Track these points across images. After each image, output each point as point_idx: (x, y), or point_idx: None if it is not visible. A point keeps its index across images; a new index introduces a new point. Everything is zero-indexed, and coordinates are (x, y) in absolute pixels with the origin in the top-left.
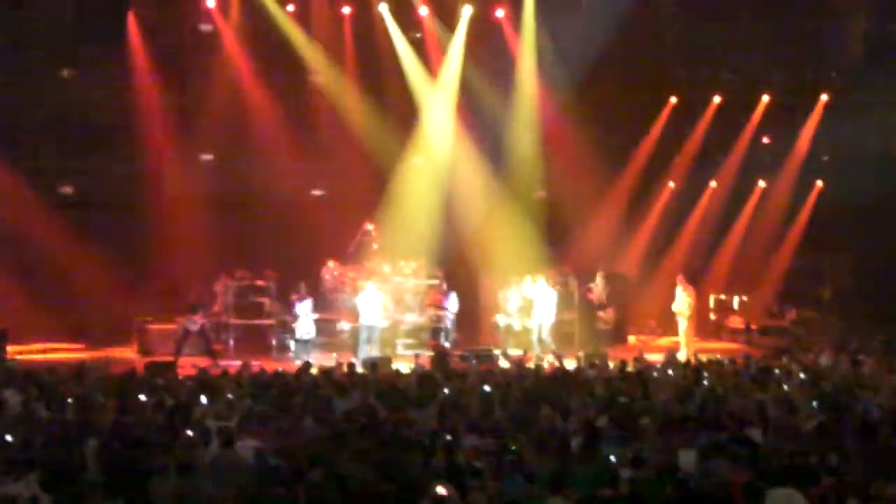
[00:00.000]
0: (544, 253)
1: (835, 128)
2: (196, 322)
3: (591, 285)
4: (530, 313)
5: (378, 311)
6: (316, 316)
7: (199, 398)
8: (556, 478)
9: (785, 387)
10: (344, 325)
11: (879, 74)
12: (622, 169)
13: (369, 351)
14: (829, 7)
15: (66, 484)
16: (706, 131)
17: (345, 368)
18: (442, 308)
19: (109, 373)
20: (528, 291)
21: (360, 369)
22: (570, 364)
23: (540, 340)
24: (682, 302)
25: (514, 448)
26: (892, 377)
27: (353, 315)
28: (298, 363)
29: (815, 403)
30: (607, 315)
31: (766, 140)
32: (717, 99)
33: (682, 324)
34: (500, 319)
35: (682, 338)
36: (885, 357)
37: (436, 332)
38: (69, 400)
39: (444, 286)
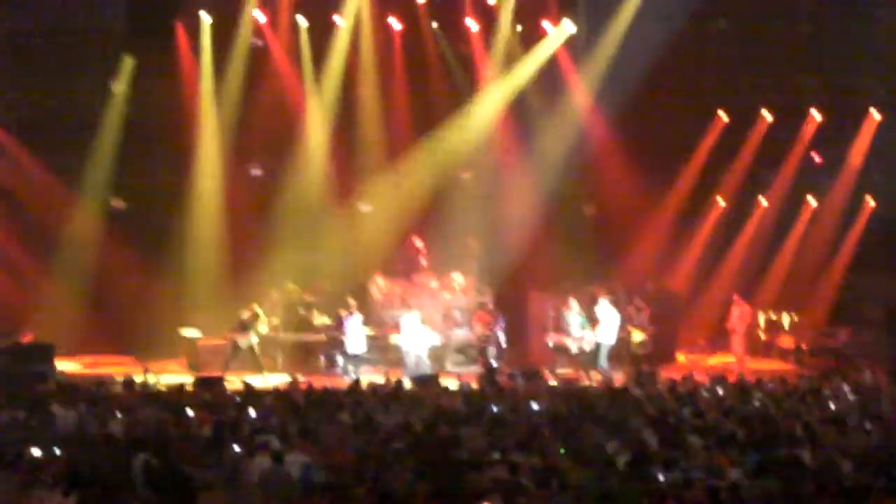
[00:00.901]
0: (593, 270)
1: (887, 144)
2: (246, 339)
3: (631, 308)
4: (591, 333)
5: (419, 332)
6: (366, 331)
7: (246, 413)
8: (602, 496)
9: (834, 407)
10: (396, 340)
11: None
12: (671, 185)
13: (417, 369)
14: (877, 20)
15: (112, 500)
16: (756, 148)
17: (392, 385)
18: (490, 327)
19: (158, 387)
20: (588, 312)
21: (407, 386)
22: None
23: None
24: (736, 319)
25: (560, 466)
26: None
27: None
28: (346, 379)
29: (867, 424)
30: (642, 337)
31: (816, 157)
32: (767, 116)
33: (736, 342)
34: (567, 341)
35: (735, 356)
36: None
37: (484, 349)
38: (118, 414)
39: (491, 305)
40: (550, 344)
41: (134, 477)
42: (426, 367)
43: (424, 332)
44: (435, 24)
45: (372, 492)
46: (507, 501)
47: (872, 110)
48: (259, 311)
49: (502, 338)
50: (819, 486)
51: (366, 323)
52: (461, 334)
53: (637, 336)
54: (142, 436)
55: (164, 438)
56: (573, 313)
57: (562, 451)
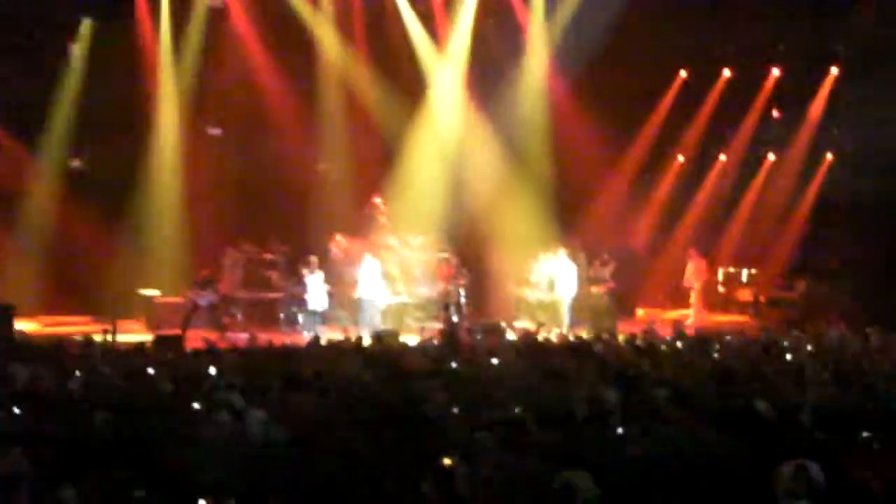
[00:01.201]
0: (553, 227)
1: (846, 100)
2: (205, 297)
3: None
4: (553, 287)
5: (377, 284)
6: (327, 287)
7: (206, 371)
8: (562, 451)
9: (792, 358)
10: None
11: (889, 44)
12: (631, 143)
13: (373, 324)
14: None
15: (74, 456)
16: (715, 105)
17: (352, 341)
18: (454, 282)
19: (117, 346)
20: (550, 266)
21: (367, 342)
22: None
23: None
24: (694, 275)
25: (521, 421)
26: None
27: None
28: (306, 335)
29: (825, 375)
30: (598, 292)
31: (775, 113)
32: (726, 72)
33: (693, 296)
34: (528, 294)
35: (692, 310)
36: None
37: (445, 305)
38: (77, 373)
39: (454, 260)
40: (530, 299)
41: (94, 434)
42: (378, 323)
43: (382, 284)
44: None
45: (333, 448)
46: (467, 457)
47: (832, 67)
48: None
49: (463, 294)
50: (778, 437)
51: (326, 280)
52: (422, 291)
53: (596, 290)
54: (101, 394)
55: (124, 396)
56: (541, 265)
57: (516, 409)
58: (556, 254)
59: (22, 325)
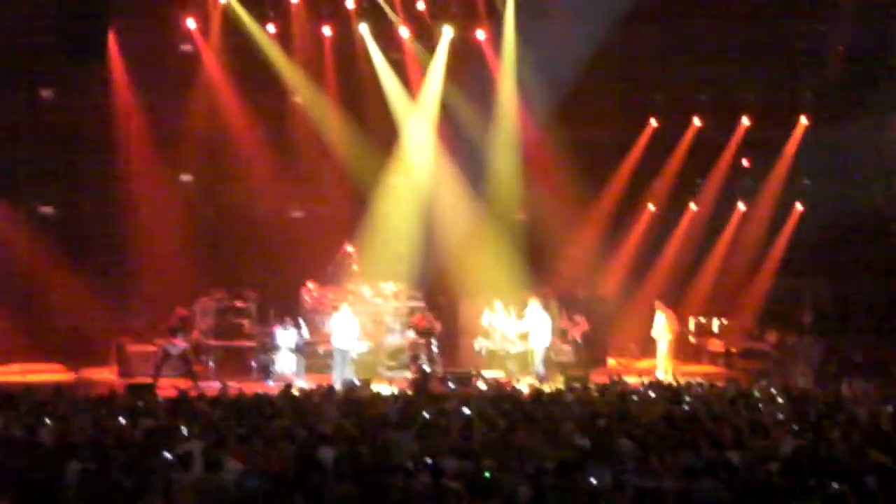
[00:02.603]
0: (524, 275)
1: (815, 151)
2: (177, 345)
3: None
4: (525, 338)
5: (351, 334)
6: (301, 341)
7: (178, 420)
8: (533, 501)
9: (762, 409)
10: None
11: (858, 96)
12: (602, 191)
13: (346, 374)
14: (806, 29)
15: None
16: (686, 154)
17: (324, 390)
18: (426, 332)
19: (89, 394)
20: (524, 316)
21: (339, 391)
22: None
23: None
24: (661, 325)
25: (491, 471)
26: (870, 399)
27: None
28: (278, 385)
29: (794, 427)
30: (562, 346)
31: (745, 163)
32: (696, 122)
33: (661, 347)
34: (481, 343)
35: (659, 360)
36: (863, 380)
37: (417, 355)
38: (47, 421)
39: (426, 309)
40: (477, 347)
41: (66, 484)
42: (351, 373)
43: (355, 331)
44: (366, 30)
45: (306, 499)
46: None
47: (801, 117)
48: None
49: (435, 343)
50: (746, 488)
51: (297, 329)
52: (393, 340)
53: (569, 337)
54: (73, 443)
55: (96, 445)
56: (497, 316)
57: (487, 460)
58: (528, 304)
59: None
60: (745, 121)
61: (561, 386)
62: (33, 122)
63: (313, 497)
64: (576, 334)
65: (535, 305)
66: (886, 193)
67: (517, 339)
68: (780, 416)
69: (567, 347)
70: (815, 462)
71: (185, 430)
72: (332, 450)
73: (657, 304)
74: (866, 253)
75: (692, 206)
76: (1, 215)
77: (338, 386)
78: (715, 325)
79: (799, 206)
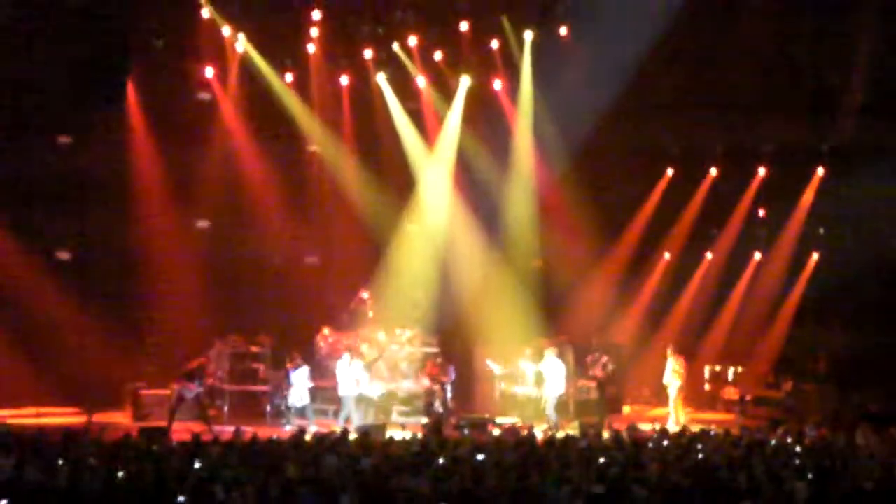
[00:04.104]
0: (540, 322)
1: (830, 200)
2: (192, 389)
3: (590, 359)
4: (541, 384)
5: (359, 379)
6: (310, 384)
7: (192, 464)
8: None
9: (777, 458)
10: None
11: (873, 144)
12: (618, 239)
13: (358, 418)
14: (821, 79)
15: None
16: (702, 203)
17: (337, 435)
18: (439, 380)
19: (103, 437)
20: (539, 364)
21: (353, 436)
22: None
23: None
24: (671, 373)
25: None
26: (883, 448)
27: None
28: (291, 429)
29: (809, 475)
30: (589, 385)
31: (762, 212)
32: (713, 171)
33: (672, 393)
34: (515, 389)
35: (671, 408)
36: (879, 429)
37: (431, 400)
38: (60, 463)
39: (440, 357)
40: (497, 393)
41: None
42: (363, 417)
43: (359, 377)
44: (383, 79)
45: None
46: None
47: (818, 167)
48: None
49: (449, 389)
50: None
51: (311, 375)
52: (408, 385)
53: (584, 384)
54: (86, 486)
55: (109, 489)
56: (526, 362)
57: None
58: (545, 351)
59: (7, 414)
60: (762, 171)
61: (575, 432)
62: (51, 168)
63: None
64: (597, 372)
65: (550, 354)
66: None
67: (533, 384)
68: (796, 464)
69: (592, 385)
70: None
71: (197, 474)
72: (346, 495)
73: (669, 349)
74: (882, 301)
75: (708, 255)
76: (18, 259)
77: (351, 430)
78: (730, 373)
79: (815, 256)
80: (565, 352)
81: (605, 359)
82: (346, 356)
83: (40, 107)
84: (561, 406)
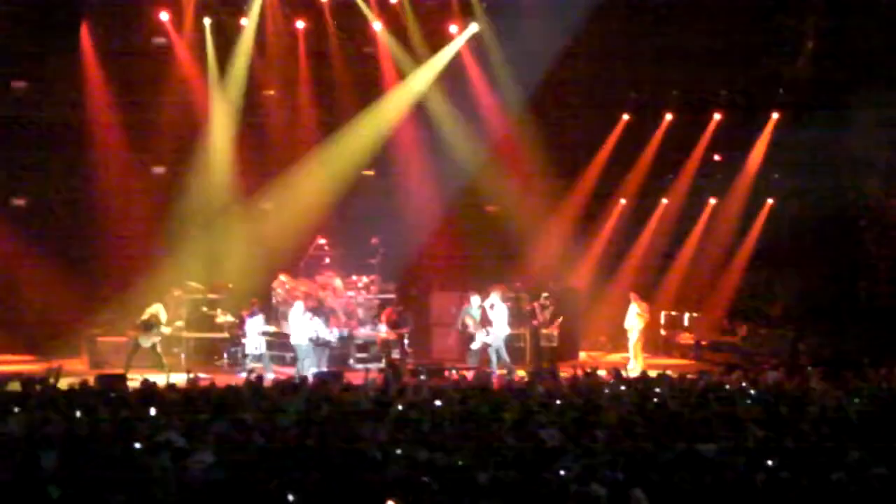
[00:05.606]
0: (496, 268)
1: (785, 146)
2: (148, 336)
3: (538, 304)
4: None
5: (312, 327)
6: (264, 330)
7: (147, 411)
8: (504, 493)
9: (732, 402)
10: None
11: (828, 91)
12: (574, 185)
13: (314, 365)
14: (777, 23)
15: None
16: (657, 149)
17: (294, 382)
18: (397, 327)
19: (59, 385)
20: (481, 307)
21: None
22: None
23: (497, 355)
24: (634, 318)
25: (463, 463)
26: (837, 392)
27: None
28: (246, 376)
29: (764, 419)
30: (550, 332)
31: (717, 158)
32: (668, 117)
33: (633, 337)
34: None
35: (631, 353)
36: (831, 372)
37: (388, 346)
38: (16, 410)
39: (398, 304)
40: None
41: (39, 476)
42: (321, 364)
43: (309, 324)
44: (338, 25)
45: (275, 490)
46: (410, 499)
47: (773, 112)
48: (159, 312)
49: (406, 334)
50: (717, 480)
51: (268, 321)
52: (365, 332)
53: (545, 331)
54: (44, 434)
55: (65, 436)
56: (473, 309)
57: (458, 455)
58: (489, 296)
59: None
60: (717, 116)
61: (530, 377)
62: (5, 114)
63: (282, 488)
64: (545, 317)
65: (495, 297)
66: (855, 188)
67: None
68: (751, 409)
69: (555, 333)
70: (785, 455)
71: (153, 422)
72: (302, 441)
73: (632, 295)
74: (835, 247)
75: (664, 200)
76: None
77: (309, 377)
78: (686, 318)
79: (769, 201)
80: (520, 297)
81: (549, 304)
82: (298, 304)
83: None
84: (515, 351)
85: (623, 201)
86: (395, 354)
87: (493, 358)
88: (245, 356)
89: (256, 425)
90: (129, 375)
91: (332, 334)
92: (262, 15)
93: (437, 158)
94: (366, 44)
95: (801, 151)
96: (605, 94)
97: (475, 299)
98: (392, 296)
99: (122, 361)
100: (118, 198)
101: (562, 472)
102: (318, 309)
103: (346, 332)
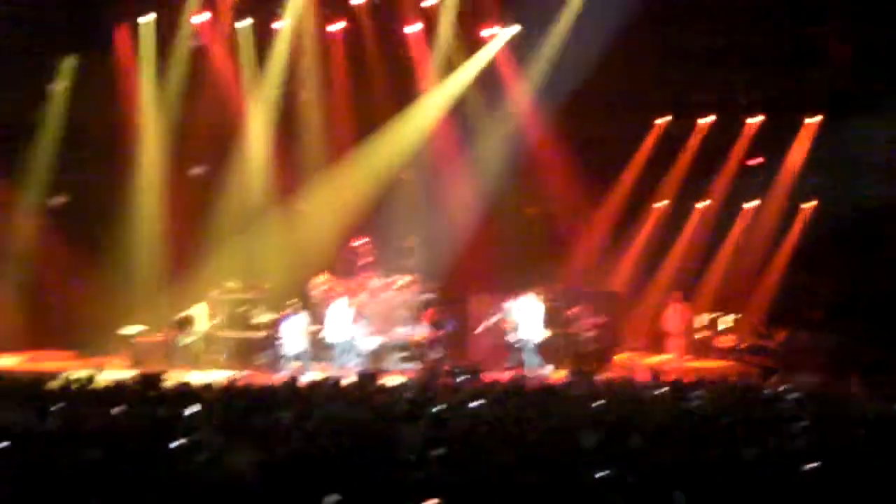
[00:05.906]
0: (535, 270)
1: (825, 148)
2: (186, 335)
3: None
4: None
5: (351, 326)
6: (309, 330)
7: (185, 410)
8: (541, 495)
9: (772, 406)
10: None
11: (868, 95)
12: (612, 187)
13: (352, 365)
14: (815, 26)
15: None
16: (696, 152)
17: (331, 382)
18: (439, 327)
19: (98, 383)
20: (518, 308)
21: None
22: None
23: (532, 357)
24: (675, 319)
25: (501, 465)
26: (877, 398)
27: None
28: (284, 376)
29: (804, 424)
30: (589, 334)
31: (756, 161)
32: (706, 120)
33: (674, 341)
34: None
35: (671, 355)
36: (873, 377)
37: (426, 348)
38: (52, 409)
39: (437, 301)
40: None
41: (78, 474)
42: (352, 360)
43: (350, 323)
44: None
45: (311, 490)
46: (447, 500)
47: (812, 116)
48: (201, 312)
49: (445, 337)
50: (757, 484)
51: (310, 321)
52: (403, 332)
53: (581, 334)
54: (80, 432)
55: (103, 435)
56: (511, 311)
57: (497, 454)
58: (526, 297)
59: (2, 361)
60: (756, 119)
61: (568, 380)
62: (43, 114)
63: (317, 489)
64: (580, 326)
65: (532, 298)
66: None
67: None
68: (791, 413)
69: (591, 335)
70: (826, 458)
71: (191, 421)
72: (338, 442)
73: (674, 296)
74: (877, 250)
75: (702, 203)
76: (12, 205)
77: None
78: (724, 322)
79: (809, 204)
80: (559, 300)
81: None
82: (339, 301)
83: (32, 52)
84: (553, 353)
85: (661, 204)
86: (433, 355)
87: (529, 360)
88: (282, 357)
89: (293, 425)
90: (167, 374)
91: (370, 340)
92: (299, 17)
93: (475, 161)
94: (402, 45)
95: (841, 153)
96: (642, 97)
97: (513, 301)
98: (434, 295)
99: (162, 360)
100: (157, 198)
101: (598, 475)
102: (358, 312)
103: (383, 337)
